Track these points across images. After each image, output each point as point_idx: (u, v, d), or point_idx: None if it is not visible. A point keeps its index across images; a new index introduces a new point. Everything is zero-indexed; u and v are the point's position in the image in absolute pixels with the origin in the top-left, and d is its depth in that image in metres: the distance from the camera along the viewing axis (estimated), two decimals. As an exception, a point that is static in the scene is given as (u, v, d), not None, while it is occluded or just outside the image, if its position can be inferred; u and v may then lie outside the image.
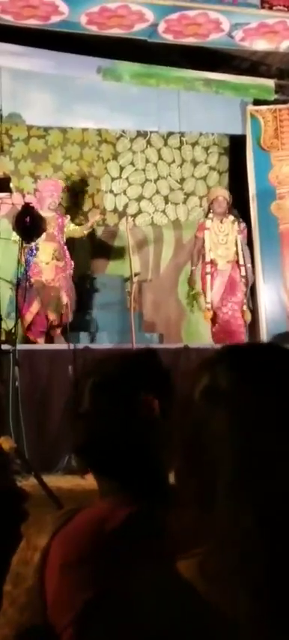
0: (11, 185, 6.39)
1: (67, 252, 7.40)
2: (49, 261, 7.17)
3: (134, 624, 0.84)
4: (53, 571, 1.29)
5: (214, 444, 0.83)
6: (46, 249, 7.18)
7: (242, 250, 7.59)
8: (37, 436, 6.02)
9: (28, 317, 7.11)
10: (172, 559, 0.87)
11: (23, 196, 7.80)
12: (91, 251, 8.26)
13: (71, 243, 7.61)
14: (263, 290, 8.08)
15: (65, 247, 7.39)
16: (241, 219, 7.72)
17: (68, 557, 1.29)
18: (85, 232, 7.61)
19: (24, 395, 5.88)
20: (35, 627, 1.29)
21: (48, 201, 7.38)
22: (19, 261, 5.85)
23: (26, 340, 7.20)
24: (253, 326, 7.74)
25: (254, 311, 7.86)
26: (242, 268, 7.57)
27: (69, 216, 7.65)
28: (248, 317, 7.58)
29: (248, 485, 0.80)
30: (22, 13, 6.97)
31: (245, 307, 7.55)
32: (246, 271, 7.59)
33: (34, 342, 7.11)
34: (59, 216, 7.47)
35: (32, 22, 7.09)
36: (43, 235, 7.04)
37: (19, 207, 6.16)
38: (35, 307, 7.14)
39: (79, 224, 7.78)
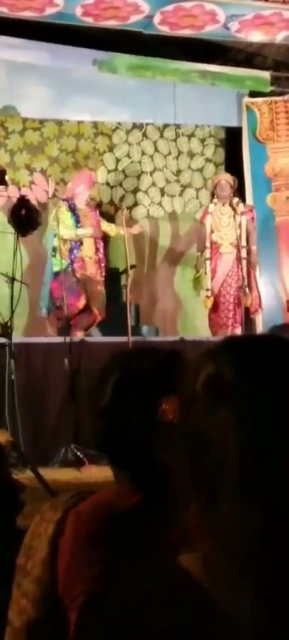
0: (6, 178, 6.36)
1: (102, 247, 7.32)
2: (91, 255, 7.13)
3: (137, 607, 0.84)
4: (67, 544, 1.32)
5: (217, 438, 0.82)
6: (89, 244, 7.11)
7: (246, 231, 7.42)
8: (34, 429, 6.02)
9: (74, 311, 6.99)
10: (175, 552, 0.87)
11: (19, 189, 7.79)
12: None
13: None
14: (259, 282, 8.08)
15: (100, 242, 7.32)
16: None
17: (82, 532, 1.31)
18: (122, 233, 7.17)
19: (20, 388, 5.87)
20: (43, 618, 1.31)
21: (86, 194, 7.26)
22: (14, 254, 5.83)
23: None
24: (249, 317, 7.72)
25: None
26: (244, 250, 7.36)
27: (98, 211, 7.56)
28: (248, 302, 7.39)
29: (253, 482, 0.80)
30: (17, 5, 6.94)
31: (246, 290, 7.42)
32: (249, 253, 7.42)
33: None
34: (92, 210, 7.37)
35: (27, 14, 7.06)
36: (89, 230, 7.02)
37: (15, 200, 6.14)
38: (82, 302, 7.08)
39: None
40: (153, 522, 1.24)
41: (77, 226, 7.06)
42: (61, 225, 6.79)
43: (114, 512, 1.32)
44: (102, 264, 7.31)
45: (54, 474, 5.24)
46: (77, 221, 7.08)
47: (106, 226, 7.45)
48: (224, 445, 0.81)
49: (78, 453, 5.70)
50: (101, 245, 7.32)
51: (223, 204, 7.49)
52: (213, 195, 7.71)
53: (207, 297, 7.44)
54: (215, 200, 7.57)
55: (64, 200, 7.24)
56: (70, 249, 7.03)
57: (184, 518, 0.87)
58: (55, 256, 7.00)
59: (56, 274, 6.95)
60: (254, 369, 0.85)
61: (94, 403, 1.47)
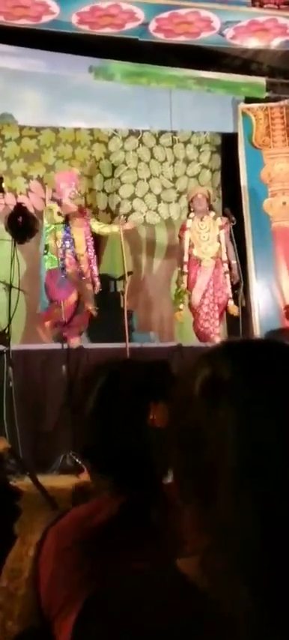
0: (3, 185, 6.37)
1: (92, 246, 7.30)
2: (83, 252, 7.16)
3: (135, 611, 0.84)
4: (48, 558, 1.33)
5: (215, 438, 0.83)
6: (80, 241, 7.14)
7: (225, 246, 7.47)
8: (32, 436, 6.02)
9: (67, 306, 6.94)
10: (172, 553, 0.87)
11: (16, 197, 7.80)
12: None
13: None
14: (256, 288, 8.09)
15: (91, 240, 7.29)
16: (228, 213, 7.57)
17: (61, 544, 1.32)
18: (115, 230, 7.27)
19: (18, 395, 5.87)
20: (31, 630, 1.31)
21: (67, 191, 7.20)
22: (12, 261, 5.84)
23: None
24: (246, 323, 7.73)
25: (247, 308, 7.82)
26: (226, 264, 7.44)
27: (90, 211, 7.60)
28: (234, 311, 7.39)
29: (251, 481, 0.80)
30: (13, 13, 6.96)
31: (231, 302, 7.46)
32: (231, 267, 7.44)
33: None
34: (81, 209, 7.40)
35: (23, 22, 7.08)
36: (81, 228, 7.12)
37: (12, 208, 6.15)
38: (73, 297, 7.08)
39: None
40: (142, 526, 1.24)
41: (66, 226, 7.12)
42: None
43: (92, 522, 1.33)
44: (92, 263, 7.26)
45: (52, 480, 5.23)
46: (66, 223, 7.13)
47: (98, 227, 7.38)
48: (222, 444, 0.82)
49: (77, 460, 5.70)
50: (91, 243, 7.30)
51: (201, 219, 7.51)
52: (189, 209, 7.71)
53: (179, 311, 7.47)
54: (192, 215, 7.57)
55: (54, 200, 7.42)
56: (64, 244, 7.08)
57: (179, 518, 0.87)
58: (46, 254, 7.14)
59: (49, 271, 7.13)
60: (251, 370, 0.86)
61: (79, 412, 1.47)
